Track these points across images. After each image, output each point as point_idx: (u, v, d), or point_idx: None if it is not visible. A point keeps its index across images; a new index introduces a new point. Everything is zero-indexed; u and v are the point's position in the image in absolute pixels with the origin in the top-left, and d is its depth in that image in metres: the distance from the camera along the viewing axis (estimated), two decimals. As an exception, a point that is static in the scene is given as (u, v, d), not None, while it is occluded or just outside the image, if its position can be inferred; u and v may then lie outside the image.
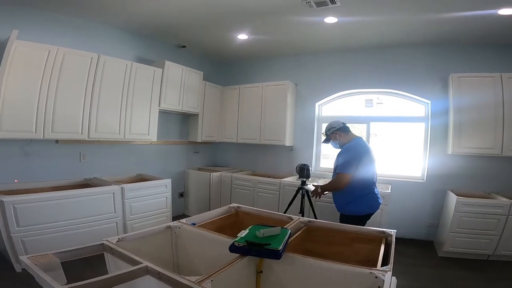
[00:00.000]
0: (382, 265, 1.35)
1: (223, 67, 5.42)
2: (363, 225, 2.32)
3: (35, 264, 1.10)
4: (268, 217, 2.17)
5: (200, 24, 3.59)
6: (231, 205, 2.40)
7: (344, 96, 4.45)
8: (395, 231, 1.78)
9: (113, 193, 3.09)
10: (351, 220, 2.36)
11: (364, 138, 3.17)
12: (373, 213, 2.60)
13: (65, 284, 0.99)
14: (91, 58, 3.11)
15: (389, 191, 3.50)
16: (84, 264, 1.43)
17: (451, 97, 3.50)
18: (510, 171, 3.47)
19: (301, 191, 3.23)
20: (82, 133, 3.09)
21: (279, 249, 1.37)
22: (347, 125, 2.78)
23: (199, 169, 4.94)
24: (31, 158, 3.02)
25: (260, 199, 4.13)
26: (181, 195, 4.78)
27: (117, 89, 3.38)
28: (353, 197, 2.52)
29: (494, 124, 3.27)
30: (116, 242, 1.47)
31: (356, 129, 4.13)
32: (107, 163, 3.69)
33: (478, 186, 3.58)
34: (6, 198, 2.41)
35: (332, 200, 2.76)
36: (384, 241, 1.70)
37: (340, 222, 2.33)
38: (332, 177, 2.70)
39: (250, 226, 1.68)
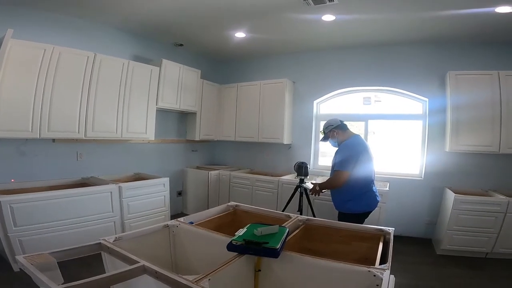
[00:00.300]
0: (380, 263, 1.35)
1: (221, 65, 5.40)
2: (362, 223, 2.32)
3: (31, 264, 1.10)
4: (266, 216, 2.17)
5: (198, 23, 3.57)
6: (229, 204, 2.40)
7: (342, 94, 4.44)
8: (393, 229, 1.78)
9: (111, 192, 3.07)
10: (350, 218, 2.36)
11: (362, 136, 3.17)
12: (371, 211, 2.60)
13: (62, 284, 0.98)
14: (88, 56, 3.09)
15: (387, 189, 3.50)
16: (81, 263, 1.42)
17: (449, 95, 3.50)
18: (507, 168, 3.49)
19: (299, 189, 3.22)
20: (79, 132, 3.07)
21: (277, 247, 1.37)
22: (345, 123, 2.78)
23: (197, 167, 4.93)
24: (27, 157, 3.00)
25: (258, 197, 4.13)
26: (179, 193, 4.77)
27: (114, 88, 3.36)
28: (352, 195, 2.51)
29: (492, 121, 3.27)
30: (113, 241, 1.46)
31: (354, 127, 4.13)
32: (104, 162, 3.68)
33: (476, 184, 3.59)
34: (3, 198, 2.40)
35: (331, 198, 2.76)
36: (382, 239, 1.71)
37: (339, 220, 2.34)
38: (330, 175, 2.70)
39: (248, 225, 1.68)
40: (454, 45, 3.69)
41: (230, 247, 1.40)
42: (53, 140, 3.16)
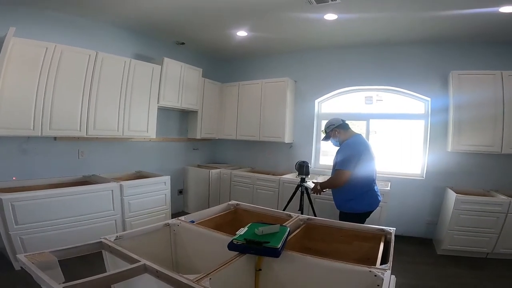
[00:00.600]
0: (381, 263, 1.34)
1: (223, 64, 5.39)
2: (363, 223, 2.32)
3: (32, 263, 1.09)
4: (267, 215, 2.17)
5: (199, 21, 3.56)
6: (230, 202, 2.40)
7: (344, 93, 4.43)
8: (395, 229, 1.78)
9: (112, 190, 3.08)
10: (351, 217, 2.36)
11: (364, 135, 3.17)
12: (372, 211, 2.59)
13: (63, 283, 0.98)
14: (89, 55, 3.09)
15: (389, 188, 3.50)
16: (82, 262, 1.42)
17: (451, 95, 3.48)
18: (509, 168, 3.47)
19: (300, 188, 3.22)
20: (80, 130, 3.08)
21: (278, 247, 1.36)
22: (347, 122, 2.77)
23: (198, 166, 4.93)
24: (29, 155, 3.01)
25: (259, 196, 4.13)
26: (180, 192, 4.77)
27: (116, 86, 3.36)
28: (353, 194, 2.51)
29: (494, 121, 3.26)
30: (114, 240, 1.46)
31: (356, 126, 4.13)
32: (105, 160, 3.68)
33: (477, 184, 3.57)
34: (4, 196, 2.40)
35: (332, 197, 2.75)
36: (383, 239, 1.70)
37: (340, 220, 2.33)
38: (331, 174, 2.69)
39: (249, 224, 1.68)
40: (457, 44, 3.67)
41: (231, 246, 1.40)
42: (55, 138, 3.16)
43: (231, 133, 4.86)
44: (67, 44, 2.95)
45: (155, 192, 3.56)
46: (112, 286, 1.46)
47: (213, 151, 5.48)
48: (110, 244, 1.40)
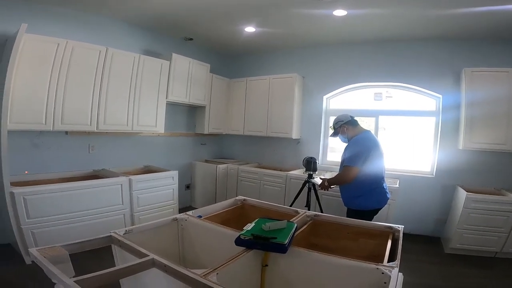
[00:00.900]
0: (388, 261, 1.34)
1: (230, 59, 5.38)
2: (370, 220, 2.30)
3: (44, 257, 1.11)
4: (274, 210, 2.17)
5: (207, 17, 3.55)
6: (237, 198, 2.41)
7: (353, 89, 4.38)
8: (403, 226, 1.77)
9: (121, 185, 3.13)
10: (358, 214, 2.34)
11: (373, 132, 3.12)
12: (380, 208, 2.57)
13: (73, 277, 0.99)
14: (100, 51, 3.12)
15: (397, 185, 3.46)
16: (91, 256, 1.44)
17: (464, 92, 3.41)
18: (522, 167, 3.40)
19: (307, 184, 3.21)
20: (91, 125, 3.12)
21: (285, 243, 1.37)
22: (355, 118, 2.74)
23: (206, 161, 4.96)
24: (40, 149, 3.07)
25: (266, 192, 4.14)
26: (188, 187, 4.81)
27: (125, 82, 3.39)
28: (361, 191, 2.49)
29: (507, 119, 3.19)
30: (124, 234, 1.47)
31: (364, 123, 4.08)
32: (115, 154, 3.73)
33: (488, 182, 3.51)
34: (16, 190, 2.44)
35: (339, 194, 2.74)
36: (391, 236, 1.69)
37: (347, 217, 2.32)
38: (339, 171, 2.68)
39: (256, 219, 1.68)
40: (469, 42, 3.58)
41: (238, 241, 1.41)
42: (66, 132, 3.22)
43: (238, 128, 4.86)
44: (77, 39, 2.99)
45: (163, 187, 3.60)
46: (120, 280, 1.48)
47: (221, 146, 5.50)
48: (119, 238, 1.41)
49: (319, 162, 4.10)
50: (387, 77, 4.03)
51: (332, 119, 4.34)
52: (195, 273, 1.09)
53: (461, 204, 3.19)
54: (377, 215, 2.57)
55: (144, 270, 1.18)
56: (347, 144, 2.68)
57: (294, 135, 4.40)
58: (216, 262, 1.23)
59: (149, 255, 1.21)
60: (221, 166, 4.55)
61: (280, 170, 4.29)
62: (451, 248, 3.27)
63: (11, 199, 2.42)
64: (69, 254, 1.21)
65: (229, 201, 2.35)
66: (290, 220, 1.74)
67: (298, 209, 2.11)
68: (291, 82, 4.32)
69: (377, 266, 1.25)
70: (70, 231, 2.68)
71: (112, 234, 1.44)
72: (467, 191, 3.20)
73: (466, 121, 3.36)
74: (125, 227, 1.58)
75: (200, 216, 1.89)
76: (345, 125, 2.68)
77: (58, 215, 2.66)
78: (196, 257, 1.78)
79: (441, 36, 3.60)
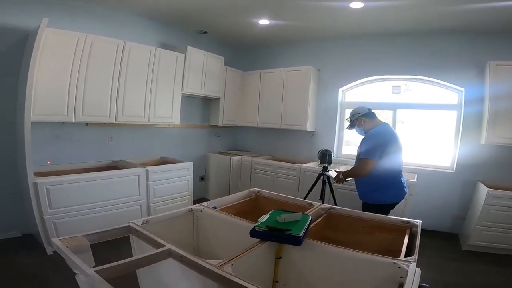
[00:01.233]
0: (405, 256, 1.31)
1: (244, 52, 5.35)
2: (386, 215, 2.26)
3: (66, 247, 1.12)
4: (288, 203, 2.16)
5: (221, 10, 3.53)
6: (251, 190, 2.41)
7: (369, 82, 4.28)
8: (421, 221, 1.73)
9: (138, 176, 3.20)
10: (374, 209, 2.30)
11: (390, 125, 3.05)
12: (397, 203, 2.53)
13: (94, 267, 1.00)
14: (118, 44, 3.17)
15: (415, 180, 3.39)
16: (106, 246, 1.46)
17: (488, 85, 3.27)
18: (548, 163, 3.24)
19: (322, 177, 3.19)
20: (110, 116, 3.19)
21: (300, 235, 1.36)
22: (373, 111, 2.68)
23: (220, 152, 5.00)
24: (62, 140, 3.17)
25: (280, 184, 4.14)
26: (202, 178, 4.88)
27: (142, 74, 3.44)
28: (378, 185, 2.44)
29: (533, 113, 3.04)
30: (141, 224, 1.48)
31: (382, 116, 3.99)
32: (132, 145, 3.82)
33: (511, 178, 3.37)
34: (39, 180, 2.52)
35: (354, 187, 2.71)
36: (408, 231, 1.66)
37: (362, 211, 2.29)
38: (355, 164, 2.64)
39: (271, 211, 1.68)
40: (493, 35, 3.41)
41: (253, 233, 1.41)
42: (86, 124, 3.31)
43: (252, 120, 4.86)
44: (96, 33, 3.04)
45: (178, 178, 3.66)
46: (137, 270, 1.51)
47: (234, 138, 5.52)
48: (137, 228, 1.42)
49: (334, 155, 4.06)
50: (406, 70, 3.90)
51: (347, 112, 4.29)
52: (211, 264, 1.10)
53: (482, 200, 3.09)
54: (393, 209, 2.53)
55: (161, 260, 1.18)
56: (363, 137, 2.62)
57: (309, 127, 4.36)
58: (229, 254, 1.23)
59: (165, 245, 1.22)
60: (235, 158, 4.58)
61: (294, 163, 4.27)
62: (469, 245, 3.20)
63: (35, 189, 2.50)
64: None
65: (243, 192, 2.35)
66: (305, 213, 1.73)
67: (312, 202, 2.09)
68: (305, 74, 4.26)
69: (394, 261, 1.23)
70: (89, 222, 2.76)
71: (130, 224, 1.46)
72: (488, 187, 3.09)
73: (489, 115, 3.23)
74: (142, 217, 1.59)
75: (214, 207, 1.90)
76: (362, 118, 2.63)
77: (78, 205, 2.73)
78: (210, 248, 1.80)
79: (463, 29, 3.45)
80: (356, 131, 2.74)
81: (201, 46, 4.15)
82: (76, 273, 1.03)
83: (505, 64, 3.18)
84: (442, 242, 3.45)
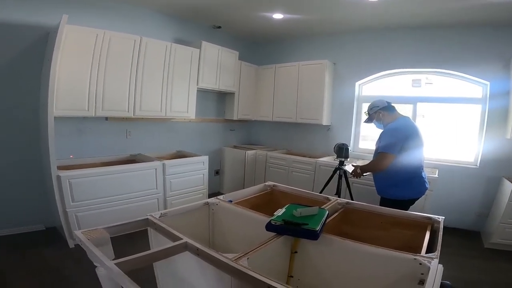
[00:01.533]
0: (426, 253, 1.28)
1: (259, 46, 5.31)
2: (406, 210, 2.20)
3: (88, 239, 1.14)
4: (304, 197, 2.14)
5: (235, 5, 3.51)
6: (267, 183, 2.40)
7: (388, 75, 4.15)
8: (443, 217, 1.67)
9: (155, 169, 3.26)
10: (393, 204, 2.25)
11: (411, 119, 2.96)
12: (417, 198, 2.46)
13: (113, 259, 1.01)
14: (134, 40, 3.20)
15: (436, 175, 3.29)
16: (123, 240, 1.47)
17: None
18: None
19: (338, 171, 3.14)
20: (128, 111, 3.25)
21: (317, 229, 1.34)
22: (392, 105, 2.60)
23: (235, 147, 5.02)
24: (83, 135, 3.26)
25: (295, 179, 4.12)
26: (217, 172, 4.91)
27: (158, 69, 3.48)
28: (397, 180, 2.37)
29: None
30: (159, 217, 1.50)
31: (401, 110, 3.88)
32: (149, 139, 3.89)
33: (539, 174, 3.21)
34: (62, 173, 2.60)
35: (372, 182, 2.64)
36: (429, 228, 1.61)
37: (380, 206, 2.24)
38: (373, 159, 2.57)
39: (287, 205, 1.66)
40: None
41: (269, 227, 1.40)
42: (106, 118, 3.38)
43: (267, 114, 4.84)
44: (113, 29, 3.08)
45: (194, 172, 3.70)
46: (153, 264, 1.53)
47: (249, 132, 5.52)
48: (155, 221, 1.43)
49: (350, 149, 3.99)
50: (426, 63, 3.76)
51: (365, 106, 4.19)
52: (227, 257, 1.10)
53: (506, 197, 2.96)
54: (412, 205, 2.45)
55: (178, 253, 1.19)
56: (382, 130, 2.55)
57: (325, 121, 4.30)
58: (245, 247, 1.22)
59: (182, 239, 1.23)
60: (250, 152, 4.58)
61: (309, 157, 4.23)
62: (491, 243, 3.10)
63: (58, 182, 2.58)
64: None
65: (259, 186, 2.35)
66: (321, 207, 1.70)
67: (329, 196, 2.07)
68: (321, 68, 4.19)
69: (414, 257, 1.20)
70: (108, 215, 2.83)
71: (148, 217, 1.48)
72: (514, 183, 2.96)
73: (516, 108, 3.07)
74: (158, 211, 1.60)
75: (230, 201, 1.90)
76: (380, 111, 2.56)
77: (98, 198, 2.81)
78: (225, 241, 1.80)
79: (486, 21, 3.29)
80: (375, 124, 2.67)
81: (215, 41, 4.15)
82: (96, 266, 1.05)
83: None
84: (463, 240, 3.34)
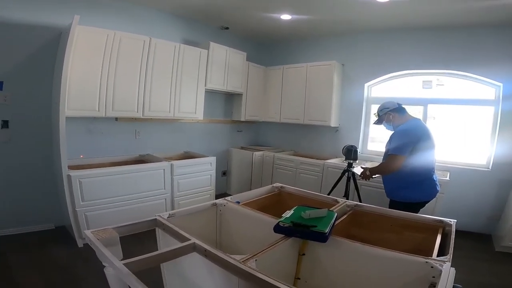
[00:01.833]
0: (437, 256, 1.25)
1: (266, 47, 5.31)
2: (416, 213, 2.17)
3: (97, 239, 1.14)
4: (312, 199, 2.12)
5: (243, 6, 3.52)
6: (274, 185, 2.38)
7: (398, 77, 4.10)
8: (455, 221, 1.64)
9: (163, 170, 3.27)
10: (403, 207, 2.20)
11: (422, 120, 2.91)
12: (428, 201, 2.41)
13: (122, 260, 1.01)
14: (144, 41, 3.23)
15: (448, 178, 3.23)
16: (130, 240, 1.48)
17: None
18: None
19: (347, 173, 3.11)
20: (137, 111, 3.28)
21: (326, 231, 1.32)
22: (403, 106, 2.56)
23: (242, 148, 5.02)
24: (94, 135, 3.30)
25: (302, 180, 4.09)
26: (224, 173, 4.92)
27: (167, 70, 3.50)
28: (408, 182, 2.34)
29: None
30: (167, 218, 1.49)
31: (411, 111, 3.83)
32: (158, 140, 3.91)
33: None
34: (73, 173, 2.63)
35: (382, 184, 2.61)
36: (441, 231, 1.57)
37: (389, 208, 2.21)
38: (383, 161, 2.54)
39: (295, 207, 1.65)
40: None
41: (278, 228, 1.39)
42: (116, 118, 3.42)
43: (274, 116, 4.83)
44: (123, 30, 3.11)
45: (202, 173, 3.71)
46: (161, 264, 1.53)
47: (257, 133, 5.52)
48: (163, 221, 1.43)
49: (359, 151, 3.94)
50: (437, 64, 3.70)
51: (374, 107, 4.15)
52: (235, 259, 1.09)
53: (520, 200, 2.89)
54: (423, 208, 2.41)
55: (185, 254, 1.19)
56: (392, 132, 2.52)
57: (333, 123, 4.26)
58: (251, 249, 1.21)
59: (190, 239, 1.23)
60: (257, 153, 4.57)
61: (317, 159, 4.20)
62: (503, 246, 3.05)
63: (68, 181, 2.61)
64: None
65: (266, 188, 2.33)
66: (330, 209, 1.68)
67: (337, 198, 2.04)
68: (329, 69, 4.16)
69: (426, 260, 1.18)
70: (116, 215, 2.86)
71: (157, 217, 1.48)
72: (528, 187, 2.88)
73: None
74: (166, 211, 1.59)
75: (238, 202, 1.89)
76: (391, 113, 2.52)
77: (107, 198, 2.84)
78: (232, 242, 1.79)
79: (498, 22, 3.23)
80: (385, 126, 2.63)
81: (223, 42, 4.16)
82: (104, 266, 1.05)
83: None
84: (474, 243, 3.29)
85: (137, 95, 3.24)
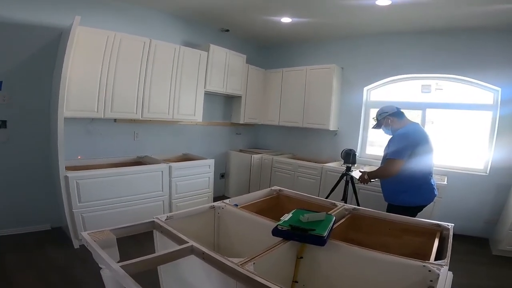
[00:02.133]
0: (435, 260, 1.25)
1: (266, 50, 5.33)
2: (413, 217, 2.17)
3: (94, 241, 1.13)
4: (311, 202, 2.12)
5: (244, 8, 3.54)
6: (272, 188, 2.38)
7: (397, 81, 4.12)
8: (453, 225, 1.65)
9: (162, 171, 3.26)
10: (401, 211, 2.21)
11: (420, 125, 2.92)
12: (426, 205, 2.42)
13: (118, 262, 1.01)
14: (144, 42, 3.23)
15: (445, 182, 3.24)
16: (127, 242, 1.47)
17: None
18: None
19: (345, 177, 3.11)
20: (136, 113, 3.27)
21: (324, 235, 1.33)
22: (402, 110, 2.57)
23: (241, 150, 5.02)
24: (92, 136, 3.29)
25: (300, 184, 4.09)
26: (222, 176, 4.91)
27: (167, 72, 3.50)
28: (406, 186, 2.34)
29: None
30: (165, 220, 1.49)
31: (410, 116, 3.84)
32: (156, 142, 3.91)
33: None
34: (70, 174, 2.62)
35: (380, 188, 2.61)
36: (438, 235, 1.58)
37: (387, 212, 2.21)
38: (381, 165, 2.54)
39: (294, 210, 1.65)
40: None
41: (276, 232, 1.39)
42: (115, 120, 3.41)
43: (273, 118, 4.83)
44: (123, 31, 3.12)
45: (200, 175, 3.70)
46: (158, 267, 1.51)
47: (255, 136, 5.52)
48: (161, 224, 1.43)
49: (358, 155, 3.95)
50: (436, 68, 3.72)
51: (372, 111, 4.16)
52: (233, 262, 1.09)
53: (518, 205, 2.90)
54: (420, 212, 2.42)
55: (183, 257, 1.18)
56: (390, 137, 2.52)
57: (332, 126, 4.27)
58: (249, 252, 1.21)
59: (188, 242, 1.22)
60: (256, 156, 4.57)
61: (316, 162, 4.20)
62: (500, 250, 3.06)
63: (65, 182, 2.60)
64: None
65: (265, 191, 2.33)
66: (328, 213, 1.68)
67: (336, 202, 2.04)
68: (329, 73, 4.18)
69: (423, 264, 1.18)
70: (114, 216, 2.84)
71: (155, 219, 1.47)
72: (525, 192, 2.90)
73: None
74: (164, 213, 1.58)
75: (236, 205, 1.89)
76: (389, 117, 2.52)
77: (105, 199, 2.82)
78: (231, 245, 1.79)
79: (497, 27, 3.26)
80: (383, 130, 2.64)
81: (223, 44, 4.18)
82: (101, 268, 1.05)
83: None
84: (471, 246, 3.31)
85: (136, 96, 3.24)
